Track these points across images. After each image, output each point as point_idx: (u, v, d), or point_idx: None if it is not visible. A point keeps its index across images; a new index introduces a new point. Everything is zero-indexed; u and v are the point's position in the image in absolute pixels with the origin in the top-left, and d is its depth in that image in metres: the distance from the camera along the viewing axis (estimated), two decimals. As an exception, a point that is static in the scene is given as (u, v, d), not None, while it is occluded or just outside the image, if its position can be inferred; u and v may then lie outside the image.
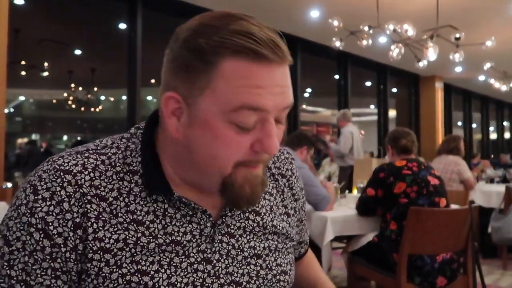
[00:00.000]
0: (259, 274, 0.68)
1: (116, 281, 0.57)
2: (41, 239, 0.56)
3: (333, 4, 5.25)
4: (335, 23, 4.43)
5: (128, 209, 0.60)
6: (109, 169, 0.61)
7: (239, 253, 0.66)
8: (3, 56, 3.44)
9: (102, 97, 12.20)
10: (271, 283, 0.69)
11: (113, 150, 0.63)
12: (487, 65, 6.16)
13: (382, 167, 2.26)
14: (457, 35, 4.72)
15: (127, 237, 0.59)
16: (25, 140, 12.26)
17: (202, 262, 0.63)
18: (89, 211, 0.58)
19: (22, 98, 12.83)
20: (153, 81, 10.14)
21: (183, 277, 0.61)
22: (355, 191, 3.28)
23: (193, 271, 0.62)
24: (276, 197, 0.75)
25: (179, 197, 0.61)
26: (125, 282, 0.58)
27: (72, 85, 10.18)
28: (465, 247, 2.10)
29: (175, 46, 0.58)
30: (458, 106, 11.20)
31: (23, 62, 7.11)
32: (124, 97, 10.51)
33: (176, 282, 0.60)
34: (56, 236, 0.56)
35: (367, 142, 5.71)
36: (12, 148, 10.24)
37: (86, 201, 0.58)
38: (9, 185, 3.59)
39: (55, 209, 0.56)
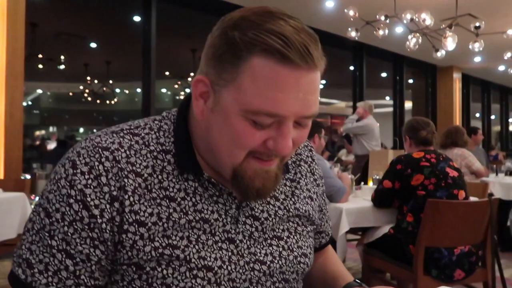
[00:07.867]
0: (281, 255, 0.70)
1: (149, 253, 0.60)
2: (80, 209, 0.59)
3: (349, -6, 5.16)
4: (351, 13, 4.36)
5: (161, 185, 0.63)
6: (143, 148, 0.64)
7: (261, 235, 0.69)
8: (21, 50, 3.48)
9: (117, 90, 12.32)
10: (292, 264, 0.72)
11: (146, 131, 0.66)
12: (508, 55, 5.98)
13: (399, 158, 2.22)
14: (477, 24, 4.60)
15: (160, 211, 0.62)
16: (43, 132, 12.47)
17: (226, 241, 0.66)
18: (126, 185, 0.60)
19: (39, 91, 13.05)
20: (167, 73, 10.18)
21: (211, 252, 0.64)
22: (370, 183, 3.24)
23: (218, 248, 0.65)
24: (299, 181, 0.78)
25: (209, 177, 0.64)
26: (157, 254, 0.60)
27: (88, 78, 10.30)
28: (483, 240, 2.07)
29: (215, 34, 0.60)
30: (476, 97, 10.95)
31: (40, 56, 7.20)
32: (138, 90, 10.60)
33: (205, 256, 0.63)
34: (94, 207, 0.59)
35: (382, 134, 5.60)
36: (30, 141, 10.43)
37: (123, 176, 0.61)
38: (28, 176, 3.66)
39: (92, 183, 0.59)
